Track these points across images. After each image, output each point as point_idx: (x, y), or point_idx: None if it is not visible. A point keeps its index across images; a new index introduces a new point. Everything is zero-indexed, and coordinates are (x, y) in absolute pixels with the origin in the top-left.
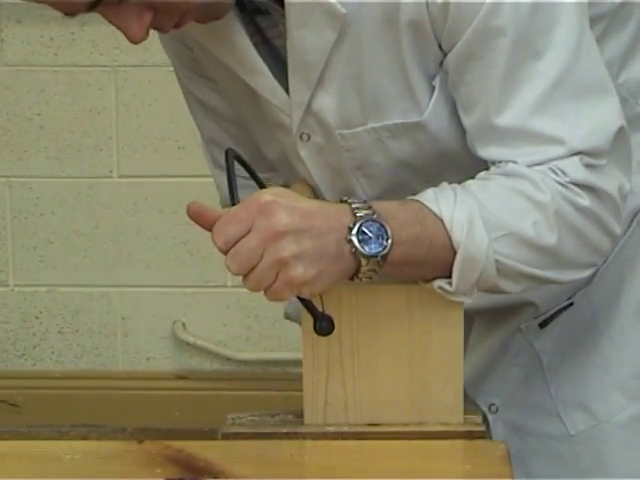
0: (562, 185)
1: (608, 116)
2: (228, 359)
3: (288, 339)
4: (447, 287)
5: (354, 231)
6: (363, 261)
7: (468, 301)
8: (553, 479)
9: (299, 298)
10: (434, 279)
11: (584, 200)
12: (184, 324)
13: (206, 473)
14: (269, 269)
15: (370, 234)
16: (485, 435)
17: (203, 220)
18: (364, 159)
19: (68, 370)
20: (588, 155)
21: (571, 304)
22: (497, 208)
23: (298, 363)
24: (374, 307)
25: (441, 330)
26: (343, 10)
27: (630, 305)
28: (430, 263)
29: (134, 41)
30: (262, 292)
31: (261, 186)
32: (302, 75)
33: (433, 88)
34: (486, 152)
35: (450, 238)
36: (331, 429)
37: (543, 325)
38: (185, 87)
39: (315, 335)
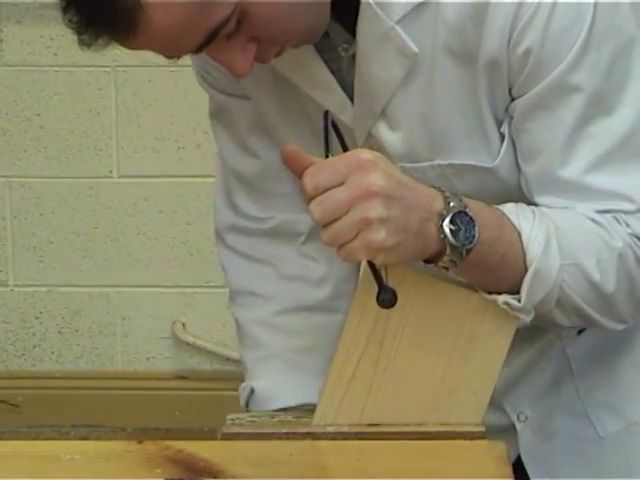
0: (627, 234)
1: None
2: (228, 359)
3: None
4: (514, 302)
5: (447, 219)
6: (448, 250)
7: (527, 320)
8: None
9: (368, 263)
10: (498, 293)
11: None
12: (184, 324)
13: (206, 473)
14: (352, 226)
15: (460, 225)
16: (485, 436)
17: (295, 164)
18: None
19: (68, 370)
20: None
21: None
22: (570, 236)
23: None
24: (431, 300)
25: (486, 343)
26: (415, 49)
27: None
28: (498, 272)
29: (240, 75)
30: (335, 248)
31: (346, 151)
32: (367, 104)
33: (502, 134)
34: (543, 200)
35: (524, 253)
36: (331, 429)
37: (580, 332)
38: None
39: (364, 309)
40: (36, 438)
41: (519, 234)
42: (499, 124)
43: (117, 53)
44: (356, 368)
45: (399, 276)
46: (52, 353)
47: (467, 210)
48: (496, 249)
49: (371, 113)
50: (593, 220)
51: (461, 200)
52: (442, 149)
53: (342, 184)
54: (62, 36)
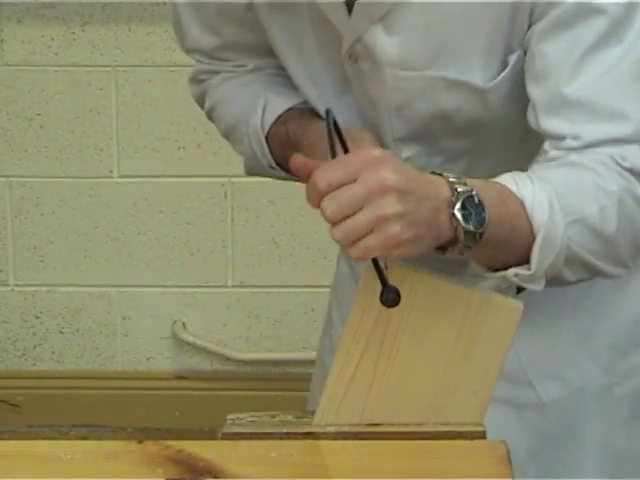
0: (622, 176)
1: None
2: (228, 359)
3: (288, 339)
4: (524, 272)
5: (458, 205)
6: (462, 235)
7: (539, 289)
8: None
9: (373, 262)
10: (505, 268)
11: (638, 188)
12: (184, 324)
13: (206, 473)
14: (367, 222)
15: (470, 209)
16: (485, 435)
17: (306, 172)
18: (407, 102)
19: (68, 370)
20: None
21: None
22: (568, 192)
23: (298, 363)
24: (432, 300)
25: (488, 344)
26: None
27: (606, 282)
28: (507, 245)
29: None
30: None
31: (346, 149)
32: (366, 7)
33: (505, 64)
34: (549, 124)
35: (530, 221)
36: (331, 429)
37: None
38: None
39: (365, 309)
40: (36, 438)
41: (522, 203)
42: (506, 52)
43: (117, 53)
44: (356, 368)
45: (400, 276)
46: (52, 353)
47: (474, 193)
48: (503, 222)
49: (369, 16)
50: (586, 168)
51: (466, 183)
52: (438, 61)
53: (355, 181)
54: (62, 36)
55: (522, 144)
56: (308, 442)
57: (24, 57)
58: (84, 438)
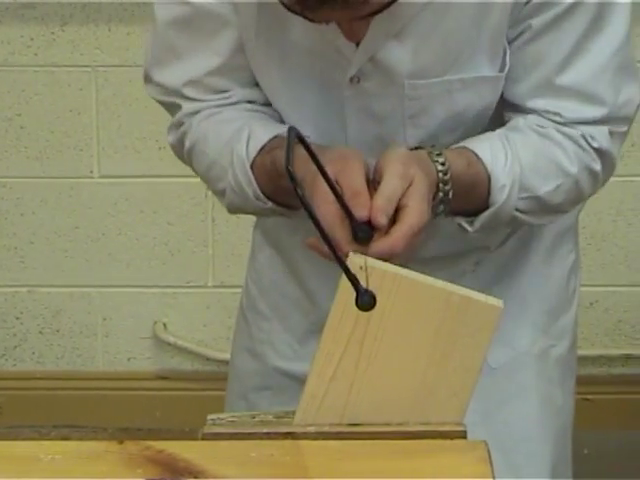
0: (586, 152)
1: (636, 92)
2: (209, 359)
3: None
4: (467, 227)
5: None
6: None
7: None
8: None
9: (344, 268)
10: (454, 214)
11: (597, 165)
12: (165, 324)
13: (186, 473)
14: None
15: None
16: (465, 435)
17: (322, 251)
18: (424, 109)
19: (49, 370)
20: (615, 123)
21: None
22: (532, 174)
23: None
24: (412, 300)
25: (467, 343)
26: None
27: (539, 255)
28: (464, 200)
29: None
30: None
31: (319, 166)
32: (383, 25)
33: (505, 50)
34: (534, 103)
35: (489, 191)
36: (312, 429)
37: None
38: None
39: (345, 310)
40: (16, 438)
41: (489, 176)
42: (504, 40)
43: (97, 53)
44: (337, 368)
45: (379, 277)
46: (33, 353)
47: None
48: (468, 175)
49: (385, 33)
50: (558, 145)
51: (444, 163)
52: (455, 64)
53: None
54: (42, 36)
55: (493, 122)
56: (288, 442)
57: (4, 57)
58: (64, 439)
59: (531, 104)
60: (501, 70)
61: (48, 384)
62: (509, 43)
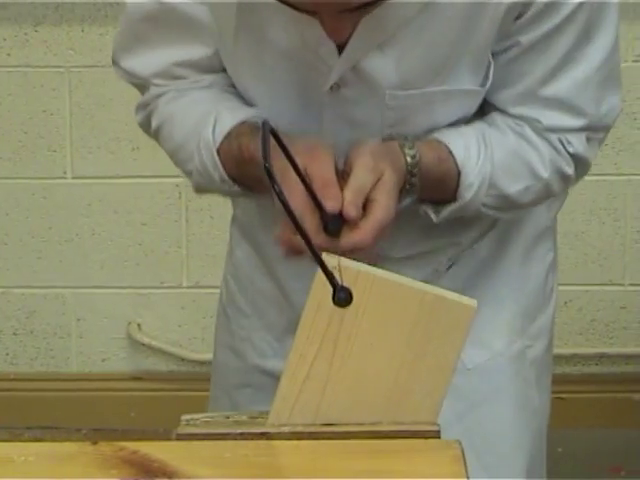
0: (561, 155)
1: (618, 102)
2: (183, 360)
3: None
4: (432, 216)
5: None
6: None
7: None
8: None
9: (320, 264)
10: (421, 202)
11: (570, 169)
12: (139, 325)
13: (160, 474)
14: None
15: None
16: (439, 435)
17: (292, 243)
18: (403, 118)
19: (22, 372)
20: (594, 131)
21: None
22: (503, 171)
23: None
24: (385, 300)
25: (441, 343)
26: None
27: (516, 255)
28: (433, 190)
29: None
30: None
31: (289, 157)
32: (367, 36)
33: (489, 63)
34: (516, 110)
35: (458, 185)
36: (286, 429)
37: (449, 267)
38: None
39: (319, 309)
40: None
41: (459, 172)
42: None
43: (71, 54)
44: (310, 368)
45: (353, 276)
46: (7, 355)
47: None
48: (438, 166)
49: (369, 43)
50: (534, 147)
51: (414, 156)
52: (438, 76)
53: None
54: (15, 37)
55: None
56: (262, 442)
57: None
58: (38, 440)
59: (513, 110)
60: (483, 85)
61: (22, 385)
62: (495, 55)
